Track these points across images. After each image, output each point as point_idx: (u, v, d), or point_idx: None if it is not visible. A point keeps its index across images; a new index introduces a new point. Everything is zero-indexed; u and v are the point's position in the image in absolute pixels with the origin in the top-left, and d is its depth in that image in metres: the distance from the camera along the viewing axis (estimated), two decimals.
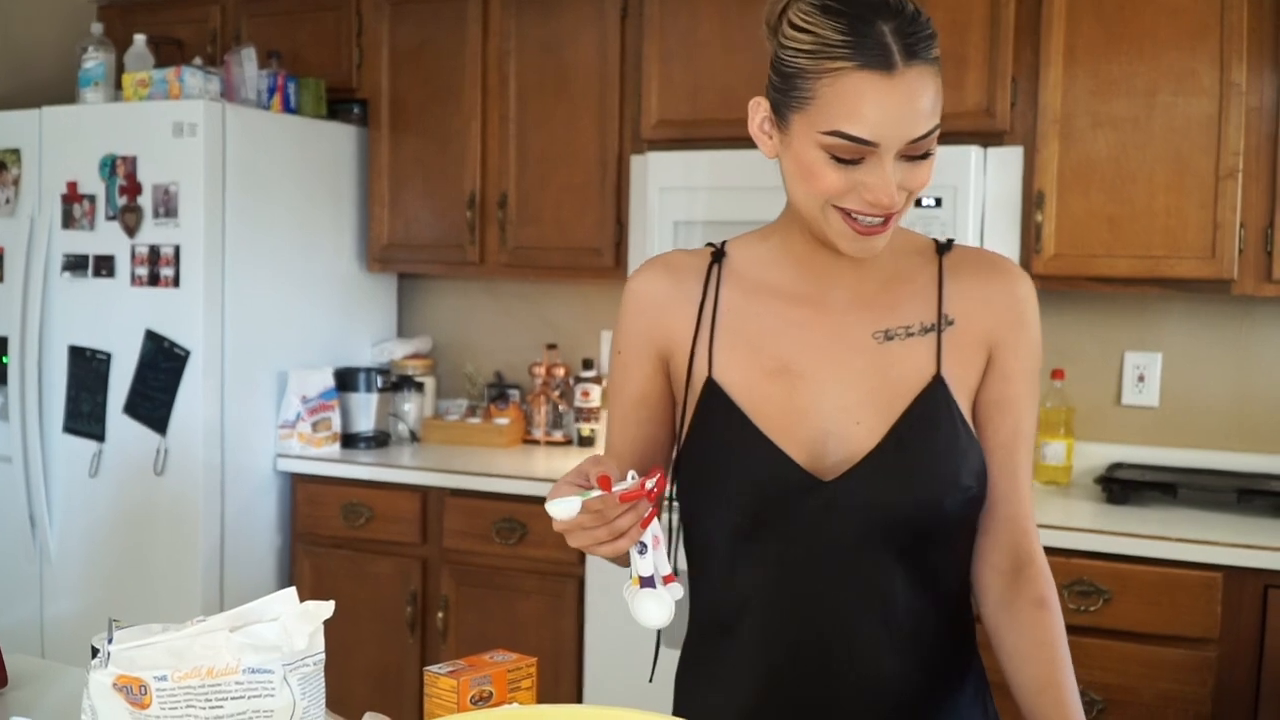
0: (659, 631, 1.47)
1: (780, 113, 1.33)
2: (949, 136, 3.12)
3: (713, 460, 1.41)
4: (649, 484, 1.23)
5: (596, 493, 1.21)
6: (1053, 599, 1.42)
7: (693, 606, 1.50)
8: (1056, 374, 3.36)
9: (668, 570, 1.27)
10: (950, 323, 1.42)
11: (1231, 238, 2.93)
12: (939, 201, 3.10)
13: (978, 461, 1.40)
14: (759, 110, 1.37)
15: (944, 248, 1.47)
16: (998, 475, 1.44)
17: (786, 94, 1.31)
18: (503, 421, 3.98)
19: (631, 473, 1.26)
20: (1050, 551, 2.85)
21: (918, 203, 3.11)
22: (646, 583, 1.26)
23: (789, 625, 1.39)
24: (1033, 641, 1.39)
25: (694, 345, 1.45)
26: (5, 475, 3.79)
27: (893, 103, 1.26)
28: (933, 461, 1.37)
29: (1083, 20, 3.05)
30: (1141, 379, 3.38)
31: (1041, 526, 2.91)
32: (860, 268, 1.42)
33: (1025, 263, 3.13)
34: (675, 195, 3.42)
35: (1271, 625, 2.65)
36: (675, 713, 1.50)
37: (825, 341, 1.41)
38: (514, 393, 4.09)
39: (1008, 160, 3.14)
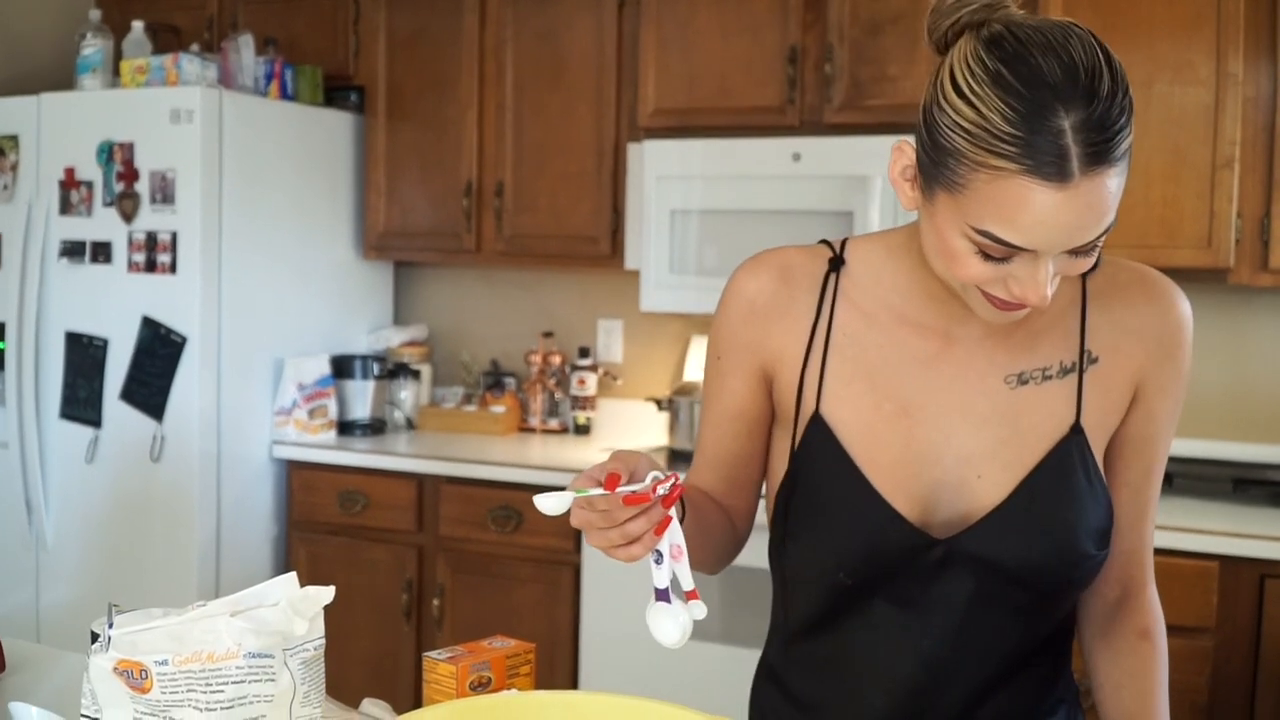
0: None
1: (926, 177, 1.16)
2: None
3: (815, 507, 1.30)
4: (661, 489, 1.11)
5: (596, 491, 1.10)
6: (1157, 632, 1.36)
7: (784, 619, 1.41)
8: None
9: (690, 585, 1.17)
10: (1094, 361, 1.27)
11: (1228, 227, 2.94)
12: None
13: (1105, 521, 1.28)
14: (902, 158, 1.19)
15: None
16: (1121, 511, 1.32)
17: (936, 165, 1.13)
18: (499, 409, 3.98)
19: (653, 474, 1.12)
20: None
21: None
22: (661, 596, 1.16)
23: (892, 679, 1.30)
24: (1128, 672, 1.34)
25: (804, 370, 1.31)
26: (2, 461, 3.79)
27: (1062, 217, 1.07)
28: (1059, 526, 1.24)
29: (1078, 10, 3.05)
30: None
31: None
32: None
33: None
34: (672, 183, 3.43)
35: (1268, 614, 2.67)
36: (751, 716, 1.46)
37: (950, 383, 1.28)
38: (510, 381, 4.10)
39: None
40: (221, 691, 1.12)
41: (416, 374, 4.13)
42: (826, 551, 1.29)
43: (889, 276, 1.31)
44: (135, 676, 1.12)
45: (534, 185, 3.77)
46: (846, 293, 1.32)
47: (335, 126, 3.99)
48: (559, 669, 3.38)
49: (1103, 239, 1.12)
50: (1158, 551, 2.70)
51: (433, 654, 1.37)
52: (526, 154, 3.77)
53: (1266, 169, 2.93)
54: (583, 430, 3.95)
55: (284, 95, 3.82)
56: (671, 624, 1.16)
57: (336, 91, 4.04)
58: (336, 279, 4.05)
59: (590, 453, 3.65)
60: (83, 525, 3.70)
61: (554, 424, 4.02)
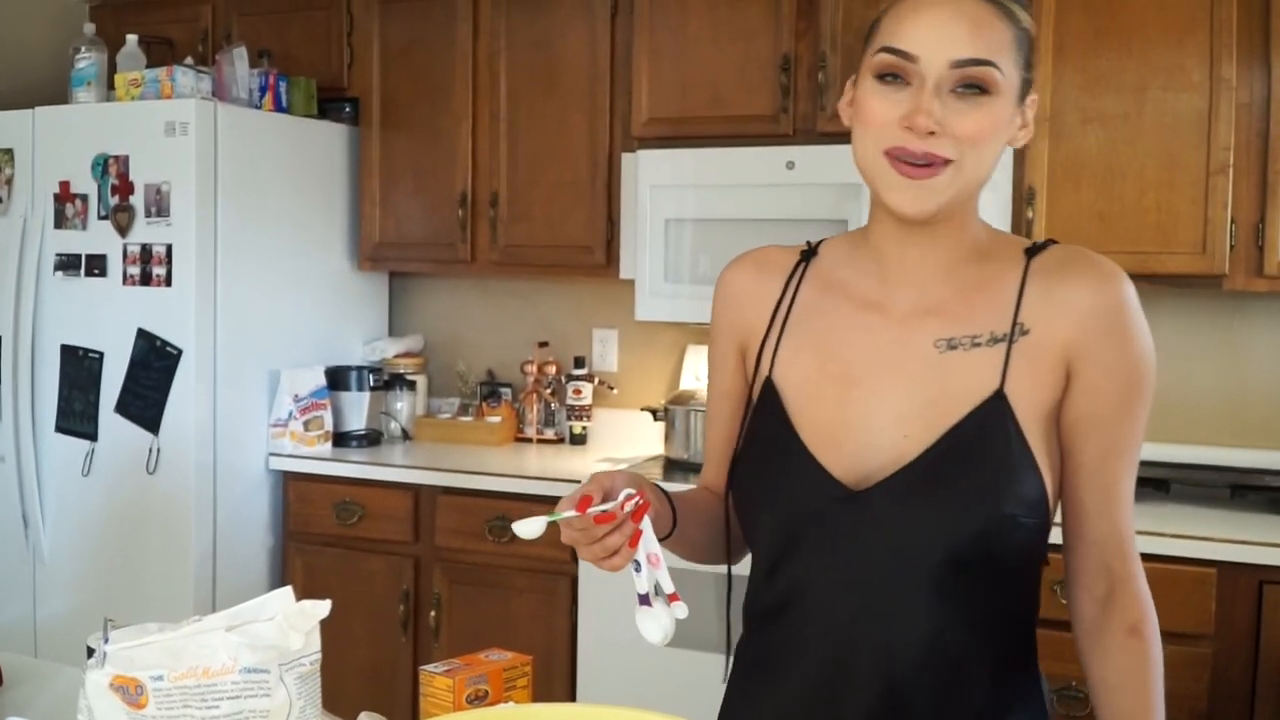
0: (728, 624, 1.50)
1: (857, 77, 1.34)
2: None
3: (755, 464, 1.39)
4: (627, 506, 1.24)
5: (568, 514, 1.24)
6: (1148, 627, 1.36)
7: (746, 596, 1.48)
8: None
9: (670, 589, 1.27)
10: (1025, 332, 1.31)
11: (1222, 233, 2.94)
12: None
13: (1032, 491, 1.30)
14: (847, 91, 1.36)
15: (1036, 249, 1.37)
16: (1086, 496, 1.35)
17: (865, 44, 1.33)
18: (495, 420, 3.98)
19: (625, 491, 1.25)
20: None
21: None
22: (643, 600, 1.28)
23: (820, 632, 1.34)
24: (1120, 671, 1.35)
25: (763, 342, 1.43)
26: None
27: (935, 17, 1.26)
28: (973, 484, 1.28)
29: (1071, 15, 3.06)
30: None
31: None
32: (937, 274, 1.36)
33: None
34: (666, 192, 3.43)
35: (1267, 621, 2.66)
36: (724, 705, 1.49)
37: (886, 347, 1.35)
38: (506, 391, 4.09)
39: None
40: (217, 707, 1.11)
41: (412, 384, 4.13)
42: (759, 500, 1.39)
43: (846, 258, 1.44)
44: (131, 692, 1.11)
45: (528, 195, 3.77)
46: (811, 278, 1.45)
47: (329, 138, 3.99)
48: (556, 679, 3.37)
49: (983, 78, 1.25)
50: (1156, 558, 2.72)
51: (429, 667, 1.37)
52: (521, 164, 3.77)
53: (1260, 174, 2.94)
54: (579, 440, 3.95)
55: (278, 107, 3.82)
56: (654, 625, 1.28)
57: (330, 103, 4.04)
58: (331, 290, 4.05)
59: (586, 462, 3.64)
60: (79, 538, 3.69)
61: (550, 434, 4.01)
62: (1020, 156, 3.12)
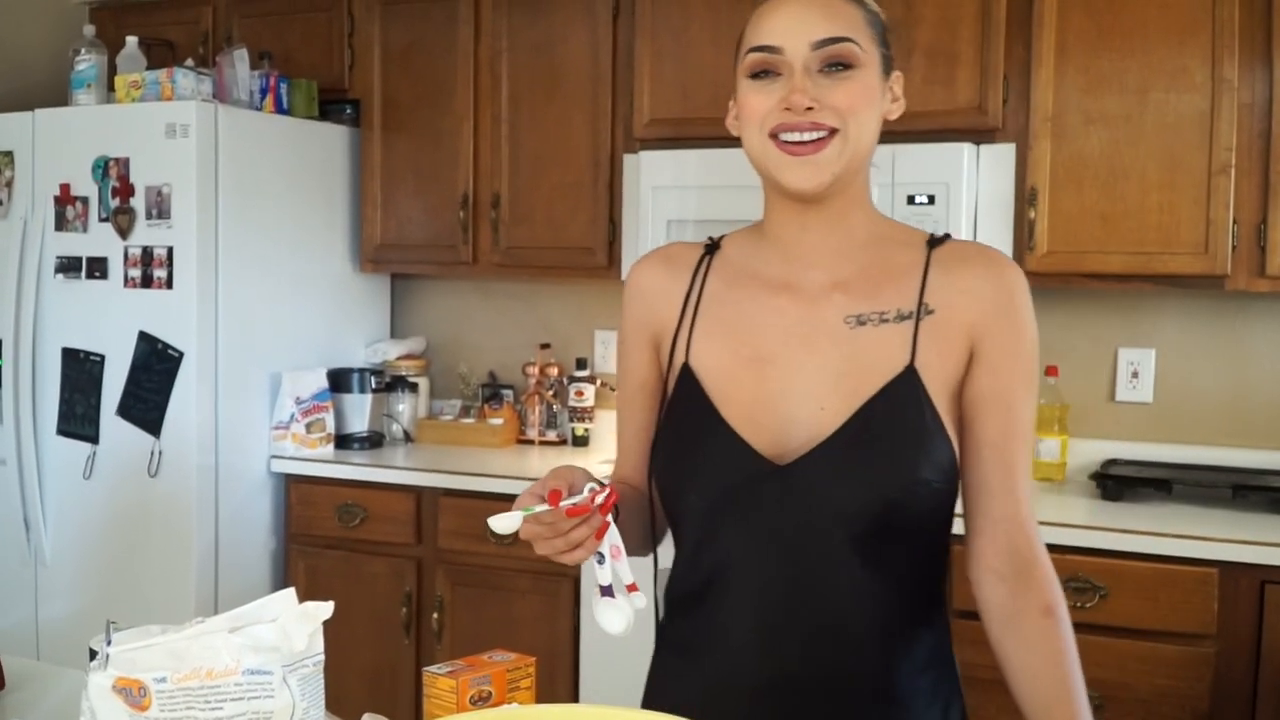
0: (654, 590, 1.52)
1: (736, 85, 1.42)
2: (941, 134, 3.14)
3: (679, 445, 1.43)
4: (599, 499, 1.25)
5: (542, 508, 1.24)
6: (1060, 606, 1.38)
7: (669, 581, 1.51)
8: (1050, 371, 3.37)
9: (630, 579, 1.31)
10: (930, 312, 1.39)
11: (1224, 234, 2.94)
12: (932, 199, 3.10)
13: (944, 457, 1.37)
14: (731, 107, 1.44)
15: (936, 241, 1.45)
16: (989, 473, 1.40)
17: (736, 61, 1.42)
18: (497, 422, 3.98)
19: (590, 485, 1.27)
20: (1045, 547, 2.85)
21: (910, 200, 3.11)
22: (606, 592, 1.30)
23: (747, 606, 1.38)
24: (1041, 656, 1.36)
25: (676, 332, 1.48)
26: (0, 478, 3.79)
27: (791, 10, 1.36)
28: (892, 452, 1.35)
29: (1073, 16, 3.06)
30: (1135, 375, 3.39)
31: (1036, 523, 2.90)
32: (839, 253, 1.42)
33: (1018, 259, 3.13)
34: (668, 194, 3.42)
35: (1269, 621, 2.66)
36: (648, 683, 1.53)
37: (798, 327, 1.41)
38: (508, 393, 4.09)
39: (1000, 157, 3.14)
40: (220, 708, 1.11)
41: (414, 386, 4.12)
42: (684, 480, 1.43)
43: (749, 249, 1.50)
44: (134, 694, 1.11)
45: (530, 197, 3.76)
46: (716, 269, 1.51)
47: (330, 140, 3.99)
48: (559, 681, 3.37)
49: (845, 54, 1.34)
50: (1157, 559, 2.73)
51: (433, 668, 1.37)
52: (522, 165, 3.77)
53: (1263, 175, 2.93)
54: (581, 441, 3.94)
55: (279, 109, 3.82)
56: (617, 616, 1.30)
57: (331, 105, 4.04)
58: (333, 292, 4.04)
59: (589, 464, 3.62)
60: (81, 541, 3.69)
61: (552, 435, 4.01)
62: (1022, 157, 3.12)
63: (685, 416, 1.43)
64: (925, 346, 1.38)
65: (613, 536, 1.30)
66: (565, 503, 1.24)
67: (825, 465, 1.35)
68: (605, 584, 1.30)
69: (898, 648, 1.39)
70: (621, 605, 1.30)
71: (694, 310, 1.48)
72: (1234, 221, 2.94)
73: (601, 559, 1.30)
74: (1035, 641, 1.36)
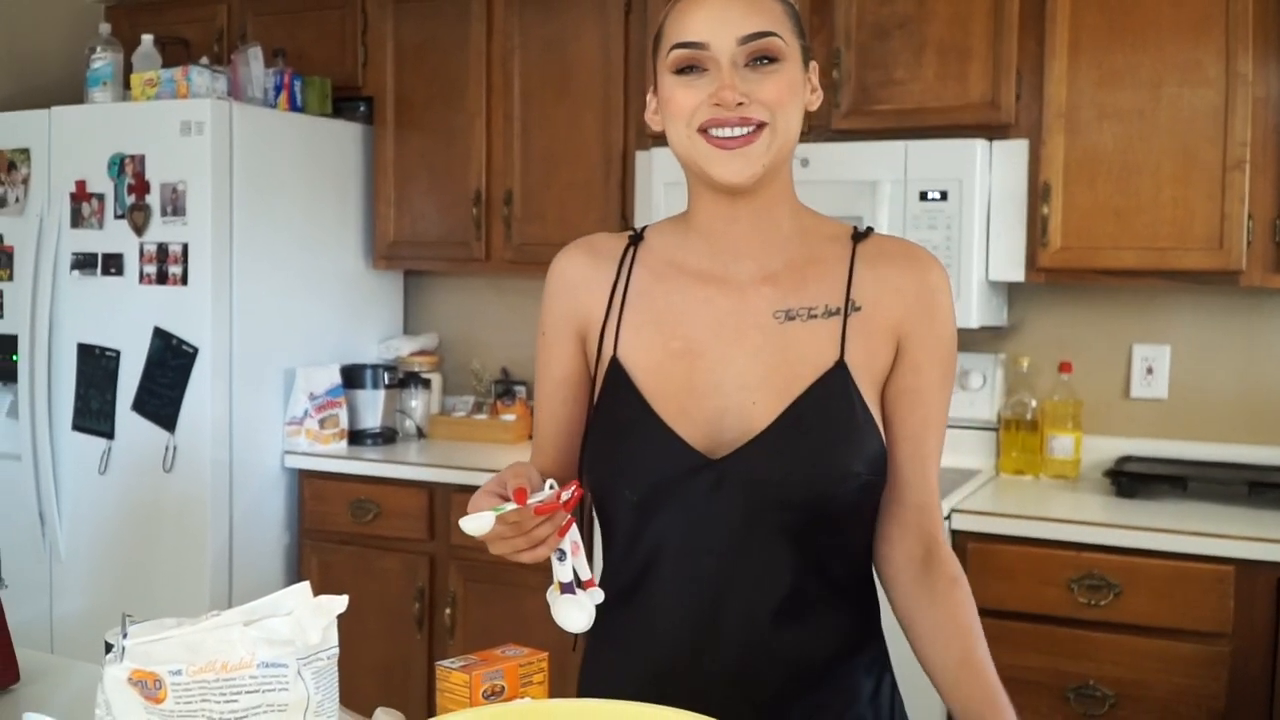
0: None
1: (655, 75, 1.42)
2: (953, 130, 3.14)
3: (610, 439, 1.43)
4: (565, 495, 1.25)
5: (510, 507, 1.23)
6: (964, 578, 1.43)
7: (602, 576, 1.51)
8: (1064, 367, 3.36)
9: (588, 575, 1.31)
10: (857, 309, 1.41)
11: (1239, 229, 2.93)
12: (945, 195, 3.09)
13: (875, 450, 1.40)
14: (650, 102, 1.45)
15: (860, 235, 1.47)
16: (905, 464, 1.44)
17: (655, 57, 1.42)
18: (509, 418, 3.98)
19: (550, 482, 1.27)
20: (1060, 545, 2.86)
21: (923, 196, 3.11)
22: (567, 589, 1.30)
23: (681, 598, 1.40)
24: (950, 619, 1.39)
25: (604, 325, 1.47)
26: (15, 473, 3.80)
27: (714, 6, 1.35)
28: (825, 446, 1.37)
29: (1086, 11, 3.05)
30: (1150, 371, 3.38)
31: (1050, 520, 2.92)
32: (767, 245, 1.43)
33: (1031, 256, 3.13)
34: (680, 190, 3.36)
35: None
36: (581, 677, 1.55)
37: (726, 319, 1.42)
38: (520, 389, 4.09)
39: (1013, 153, 3.14)
40: (235, 701, 1.12)
41: (427, 383, 4.13)
42: (619, 475, 1.43)
43: (675, 241, 1.49)
44: (150, 686, 1.12)
45: (542, 193, 3.77)
46: (641, 260, 1.50)
47: (344, 137, 3.99)
48: (570, 677, 3.36)
49: (771, 48, 1.35)
50: (1173, 556, 2.72)
51: (445, 663, 1.37)
52: (535, 162, 3.78)
53: (1277, 170, 2.92)
54: None
55: (293, 106, 3.83)
56: (579, 613, 1.31)
57: (345, 102, 4.05)
58: (346, 289, 4.05)
59: None
60: (96, 536, 3.71)
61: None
62: (1035, 152, 3.11)
63: (615, 410, 1.44)
64: (853, 342, 1.40)
65: (574, 534, 1.29)
66: (533, 500, 1.23)
67: (759, 458, 1.36)
68: (567, 580, 1.30)
69: (831, 631, 1.42)
70: (583, 602, 1.30)
71: (621, 302, 1.47)
72: (1249, 217, 2.93)
73: (563, 556, 1.29)
74: (945, 606, 1.40)
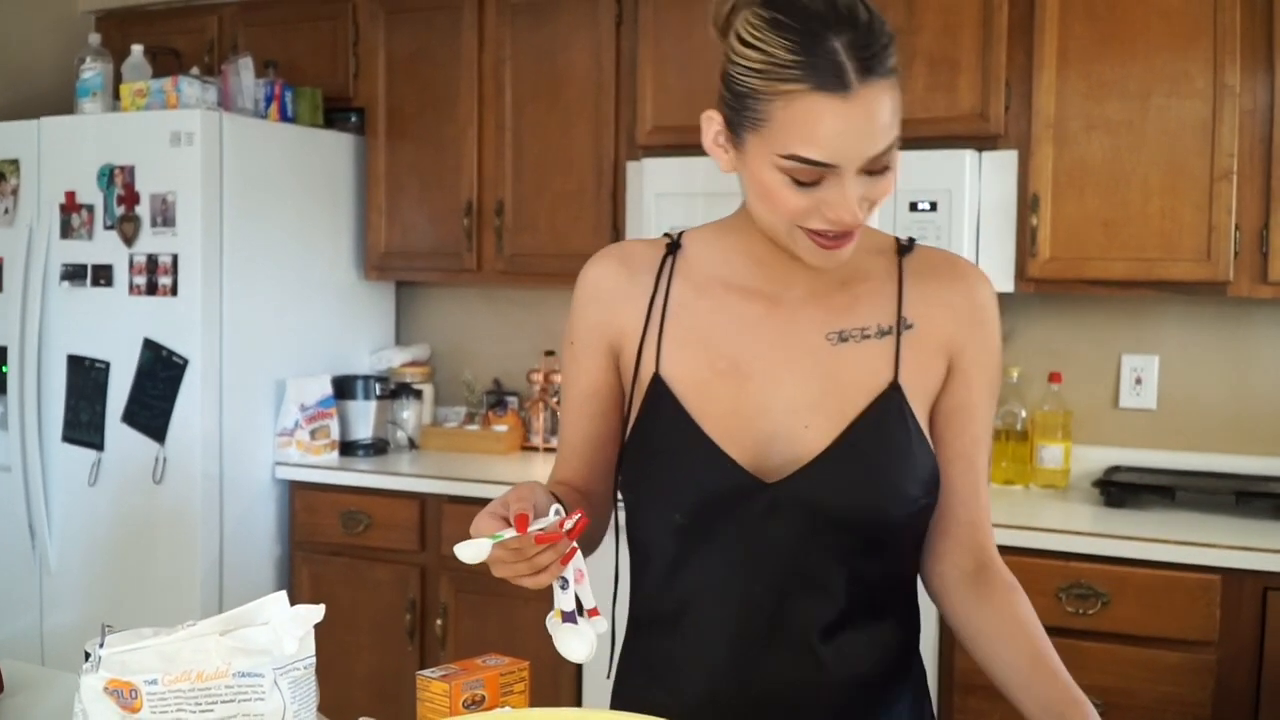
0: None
1: (735, 130, 1.30)
2: (943, 141, 3.14)
3: (655, 460, 1.39)
4: (568, 524, 1.21)
5: (509, 534, 1.19)
6: (1020, 587, 1.40)
7: (632, 602, 1.48)
8: (1054, 377, 3.36)
9: (591, 604, 1.27)
10: (909, 327, 1.38)
11: (1227, 240, 2.93)
12: (934, 206, 3.10)
13: (928, 472, 1.37)
14: (712, 124, 1.35)
15: (905, 248, 1.43)
16: (958, 481, 1.41)
17: (740, 113, 1.28)
18: (501, 428, 3.98)
19: (555, 507, 1.23)
20: (1048, 555, 2.86)
21: (913, 206, 3.12)
22: (569, 617, 1.26)
23: (730, 624, 1.36)
24: (1012, 620, 1.36)
25: (643, 340, 1.42)
26: (5, 485, 3.80)
27: (850, 124, 1.22)
28: (881, 470, 1.34)
29: (1075, 23, 3.06)
30: (1139, 381, 3.38)
31: (1039, 530, 2.92)
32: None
33: (1020, 266, 3.14)
34: (671, 201, 3.43)
35: (1271, 627, 2.65)
36: (615, 702, 1.50)
37: (777, 340, 1.38)
38: (512, 399, 4.10)
39: (1002, 164, 3.14)
40: (211, 710, 1.12)
41: (419, 394, 4.13)
42: (664, 497, 1.38)
43: (719, 252, 1.44)
44: (125, 696, 1.12)
45: (534, 204, 3.77)
46: (681, 271, 1.44)
47: (335, 148, 4.00)
48: (563, 687, 3.37)
49: (894, 154, 1.26)
50: (1160, 565, 2.72)
51: (426, 672, 1.37)
52: (526, 173, 3.78)
53: (1264, 180, 2.93)
54: None
55: (284, 117, 3.83)
56: (579, 642, 1.27)
57: (336, 113, 4.05)
58: (338, 299, 4.05)
59: None
60: (86, 548, 3.70)
61: (556, 442, 4.00)
62: (1024, 163, 3.12)
63: (660, 429, 1.39)
64: (907, 362, 1.37)
65: (578, 561, 1.26)
66: (534, 528, 1.19)
67: (817, 483, 1.33)
68: (569, 610, 1.26)
69: (879, 655, 1.39)
70: (585, 631, 1.26)
71: (660, 316, 1.42)
72: (1236, 228, 2.94)
73: (565, 584, 1.26)
74: (1004, 608, 1.37)
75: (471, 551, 1.19)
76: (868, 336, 1.38)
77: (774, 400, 1.36)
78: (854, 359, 1.37)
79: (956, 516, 1.42)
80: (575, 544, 1.24)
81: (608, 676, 1.55)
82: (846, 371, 1.37)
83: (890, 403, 1.36)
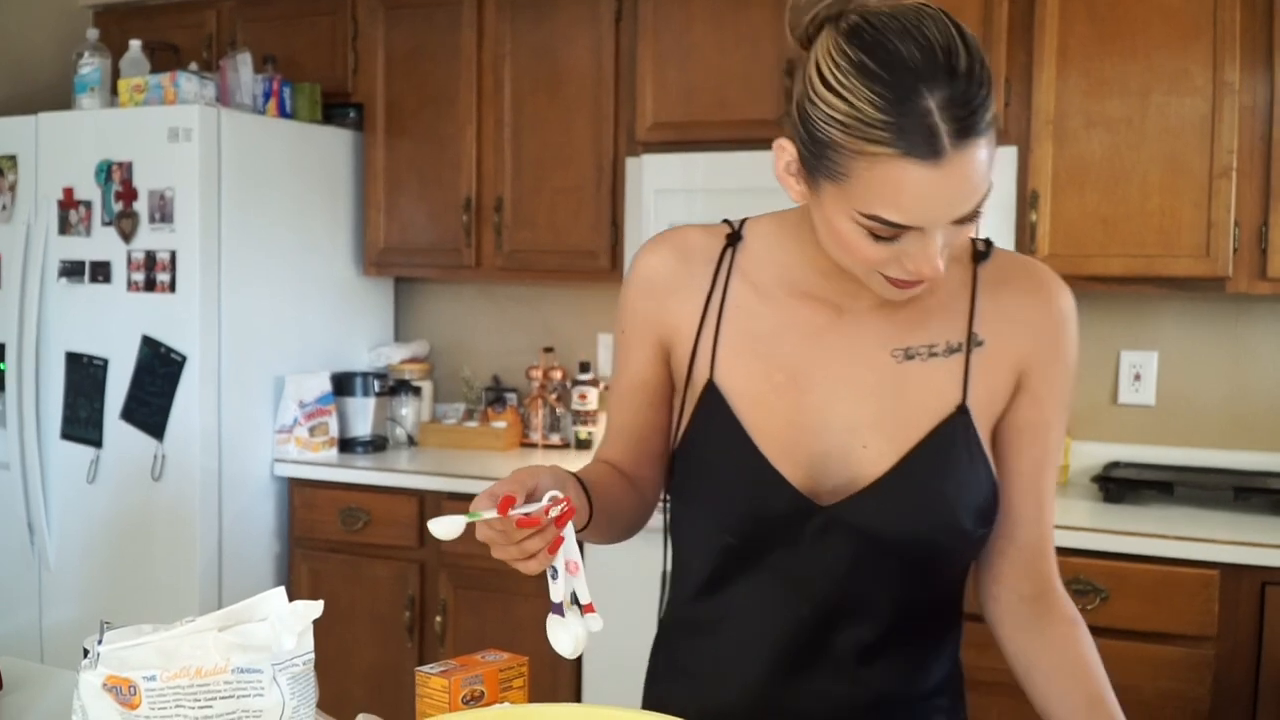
0: (662, 592, 1.44)
1: (810, 172, 1.19)
2: None
3: (706, 470, 1.34)
4: (554, 510, 1.18)
5: (488, 514, 1.16)
6: (1082, 620, 1.35)
7: (671, 602, 1.45)
8: None
9: (586, 599, 1.23)
10: (980, 343, 1.31)
11: (1226, 236, 2.93)
12: None
13: (989, 499, 1.31)
14: (784, 154, 1.23)
15: (982, 254, 1.34)
16: (1019, 501, 1.35)
17: (817, 159, 1.17)
18: (500, 425, 3.98)
19: (551, 493, 1.19)
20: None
21: None
22: (556, 609, 1.22)
23: (770, 641, 1.33)
24: (1073, 659, 1.32)
25: (697, 341, 1.35)
26: (3, 482, 3.79)
27: (940, 190, 1.12)
28: (940, 500, 1.28)
29: (1075, 20, 3.06)
30: (1138, 378, 3.38)
31: None
32: None
33: None
34: (671, 197, 3.43)
35: (1269, 622, 2.66)
36: (645, 705, 1.47)
37: (838, 354, 1.31)
38: (511, 396, 4.09)
39: (1002, 161, 3.14)
40: (210, 706, 1.11)
41: (417, 390, 4.13)
42: (714, 513, 1.33)
43: (782, 252, 1.35)
44: (124, 692, 1.12)
45: (533, 200, 3.77)
46: (741, 267, 1.36)
47: (334, 144, 3.99)
48: (562, 682, 3.37)
49: (984, 205, 1.17)
50: (1158, 560, 2.72)
51: (425, 668, 1.37)
52: (525, 169, 3.78)
53: (1264, 177, 2.93)
54: (584, 445, 3.94)
55: (282, 113, 3.83)
56: (565, 636, 1.22)
57: (335, 108, 4.05)
58: (336, 296, 4.05)
59: None
60: (85, 545, 3.70)
61: (555, 439, 4.01)
62: (1024, 160, 3.12)
63: (712, 440, 1.33)
64: (975, 381, 1.30)
65: (569, 551, 1.21)
66: (515, 511, 1.16)
67: (874, 508, 1.27)
68: (557, 600, 1.22)
69: (920, 674, 1.36)
70: (571, 626, 1.22)
71: (716, 318, 1.35)
72: (1235, 224, 2.94)
73: (555, 573, 1.21)
74: (1064, 645, 1.33)
75: (444, 528, 1.16)
76: (935, 354, 1.31)
77: (832, 417, 1.30)
78: (919, 378, 1.30)
79: (1015, 539, 1.36)
80: (565, 535, 1.20)
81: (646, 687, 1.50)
82: (911, 391, 1.30)
83: (955, 427, 1.29)
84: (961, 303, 1.32)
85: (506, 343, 4.21)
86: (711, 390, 1.33)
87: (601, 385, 3.96)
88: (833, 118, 1.13)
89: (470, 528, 1.19)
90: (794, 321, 1.33)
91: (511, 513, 1.16)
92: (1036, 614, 1.35)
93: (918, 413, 1.29)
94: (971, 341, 1.31)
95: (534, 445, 4.01)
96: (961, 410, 1.29)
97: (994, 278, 1.33)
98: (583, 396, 3.93)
